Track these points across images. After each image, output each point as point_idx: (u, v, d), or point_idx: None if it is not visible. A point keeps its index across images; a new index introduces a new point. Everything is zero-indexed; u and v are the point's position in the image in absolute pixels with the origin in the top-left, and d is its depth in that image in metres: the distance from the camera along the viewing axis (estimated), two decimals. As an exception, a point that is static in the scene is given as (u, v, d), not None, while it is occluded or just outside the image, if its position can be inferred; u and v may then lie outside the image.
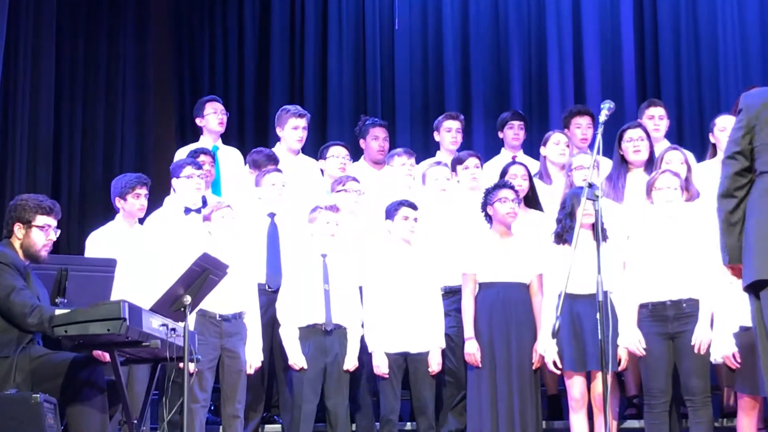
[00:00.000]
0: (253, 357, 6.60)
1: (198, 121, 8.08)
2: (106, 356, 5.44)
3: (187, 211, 7.00)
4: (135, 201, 6.65)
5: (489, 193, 6.65)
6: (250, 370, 6.59)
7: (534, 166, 7.65)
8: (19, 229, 5.39)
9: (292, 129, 7.83)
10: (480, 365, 6.44)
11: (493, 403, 6.39)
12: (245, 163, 7.80)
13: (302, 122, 7.84)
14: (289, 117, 7.85)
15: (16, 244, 5.39)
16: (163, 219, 6.98)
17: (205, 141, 7.98)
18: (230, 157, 8.08)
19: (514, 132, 8.09)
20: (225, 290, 6.12)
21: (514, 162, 7.38)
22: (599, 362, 5.27)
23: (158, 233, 6.85)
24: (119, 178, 6.80)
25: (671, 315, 6.17)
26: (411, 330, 6.59)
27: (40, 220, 5.41)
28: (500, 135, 8.18)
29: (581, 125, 7.81)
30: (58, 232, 5.53)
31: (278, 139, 7.99)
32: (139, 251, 6.65)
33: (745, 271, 4.15)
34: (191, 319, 5.89)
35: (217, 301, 6.33)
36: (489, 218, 6.66)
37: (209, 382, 6.50)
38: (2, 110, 8.22)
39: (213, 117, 8.01)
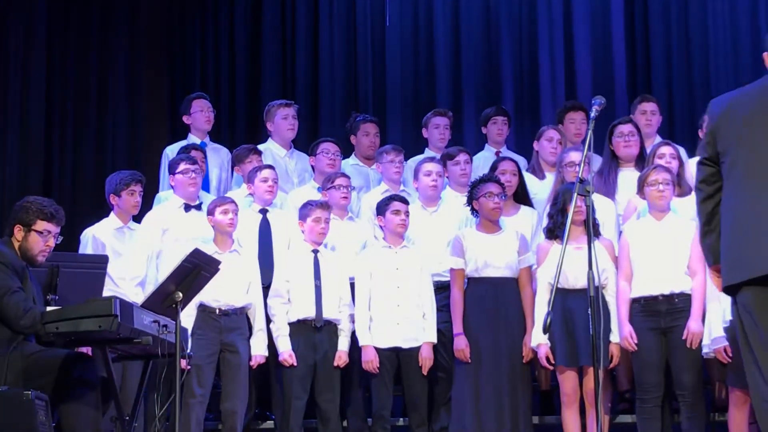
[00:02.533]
0: (257, 350, 6.60)
1: (185, 118, 8.07)
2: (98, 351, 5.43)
3: (187, 208, 6.99)
4: (129, 198, 6.65)
5: (475, 187, 6.66)
6: (254, 365, 6.59)
7: (521, 162, 7.65)
8: (18, 231, 5.36)
9: (282, 119, 7.86)
10: (470, 361, 6.45)
11: (477, 400, 6.40)
12: (231, 160, 7.82)
13: (291, 111, 7.89)
14: (278, 108, 7.89)
15: (15, 245, 5.36)
16: (162, 215, 6.96)
17: (193, 138, 7.98)
18: (218, 154, 8.07)
19: (497, 127, 8.07)
20: (225, 285, 6.12)
21: (504, 158, 7.37)
22: (591, 357, 5.28)
23: (158, 230, 6.84)
24: (113, 175, 6.79)
25: (663, 309, 6.19)
26: (403, 326, 6.60)
27: (40, 225, 5.36)
28: (483, 131, 8.18)
29: (575, 120, 7.81)
30: (60, 239, 5.50)
31: (269, 137, 8.00)
32: (133, 248, 6.64)
33: (722, 275, 4.24)
34: (187, 314, 5.89)
35: (216, 296, 6.35)
36: (475, 212, 6.68)
37: (208, 377, 6.50)
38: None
39: (200, 114, 8.01)
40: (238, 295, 6.57)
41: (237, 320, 6.56)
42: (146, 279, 6.65)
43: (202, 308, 6.41)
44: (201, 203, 7.04)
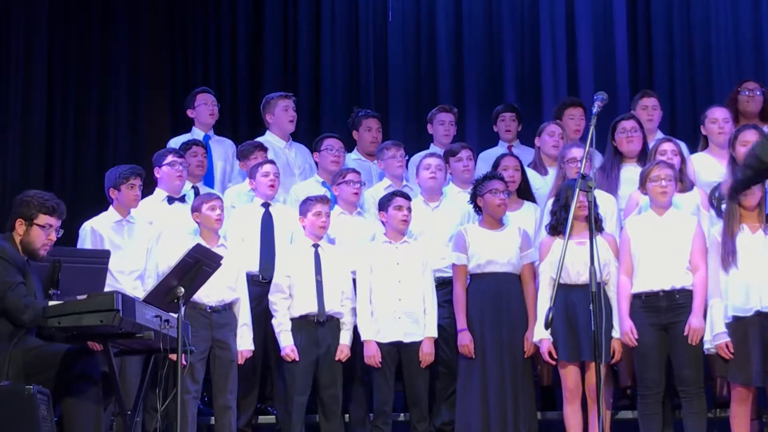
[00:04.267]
0: (243, 345, 6.60)
1: (189, 112, 8.07)
2: (99, 346, 5.43)
3: (171, 200, 7.00)
4: (129, 191, 6.64)
5: (479, 184, 6.67)
6: (241, 360, 6.60)
7: (530, 156, 7.65)
8: (20, 225, 5.35)
9: (283, 111, 7.87)
10: (474, 356, 6.46)
11: (483, 395, 6.42)
12: (236, 156, 7.82)
13: (291, 103, 7.91)
14: (278, 100, 7.90)
15: (16, 239, 5.35)
16: (146, 208, 6.94)
17: (197, 132, 7.98)
18: (222, 147, 8.07)
19: (506, 124, 8.08)
20: (214, 281, 6.12)
21: (506, 153, 7.38)
22: (593, 353, 5.28)
23: (146, 223, 6.84)
24: (113, 169, 6.78)
25: (664, 306, 6.19)
26: (403, 320, 6.60)
27: (42, 219, 5.35)
28: (495, 129, 8.19)
29: (574, 116, 7.82)
30: (61, 232, 5.48)
31: (266, 129, 8.00)
32: (132, 241, 6.64)
33: None
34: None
35: (206, 293, 6.34)
36: (478, 209, 6.68)
37: (200, 373, 6.53)
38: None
39: (204, 108, 8.01)
40: (228, 291, 6.58)
41: (227, 316, 6.58)
42: (145, 272, 6.65)
43: (192, 305, 6.39)
44: (185, 195, 7.05)
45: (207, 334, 6.50)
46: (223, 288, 6.54)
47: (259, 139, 7.80)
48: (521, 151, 7.80)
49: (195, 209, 6.67)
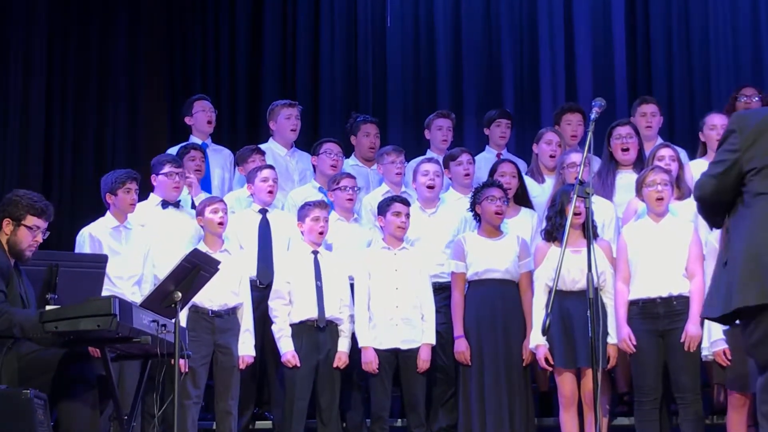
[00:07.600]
0: (244, 351, 6.60)
1: (187, 120, 8.07)
2: (97, 351, 5.43)
3: (165, 205, 6.99)
4: (126, 196, 6.62)
5: (477, 192, 6.68)
6: (242, 365, 6.59)
7: (520, 164, 7.65)
8: (7, 225, 5.31)
9: (285, 119, 7.87)
10: (470, 364, 6.46)
11: (481, 401, 6.42)
12: (234, 162, 7.82)
13: (294, 111, 7.91)
14: (282, 108, 7.90)
15: (3, 239, 5.31)
16: (140, 213, 6.92)
17: (194, 140, 7.97)
18: (221, 156, 8.07)
19: (501, 130, 8.06)
20: (217, 286, 6.13)
21: (503, 160, 7.37)
22: (589, 359, 5.28)
23: (140, 227, 6.84)
24: (109, 174, 6.77)
25: (661, 312, 6.18)
26: (401, 327, 6.60)
27: (30, 220, 5.31)
28: (486, 132, 8.18)
29: (572, 122, 7.80)
30: (47, 234, 5.45)
31: (270, 136, 8.01)
32: (130, 247, 6.64)
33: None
34: (183, 315, 5.89)
35: (209, 297, 6.35)
36: (477, 217, 6.69)
37: (202, 378, 6.52)
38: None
39: (201, 115, 8.01)
40: (231, 296, 6.58)
41: (230, 321, 6.58)
42: (142, 278, 6.65)
43: (195, 309, 6.41)
44: (179, 201, 7.04)
45: (209, 338, 6.50)
46: (227, 292, 6.55)
47: (262, 146, 7.81)
48: (509, 158, 7.78)
49: (199, 213, 6.68)
